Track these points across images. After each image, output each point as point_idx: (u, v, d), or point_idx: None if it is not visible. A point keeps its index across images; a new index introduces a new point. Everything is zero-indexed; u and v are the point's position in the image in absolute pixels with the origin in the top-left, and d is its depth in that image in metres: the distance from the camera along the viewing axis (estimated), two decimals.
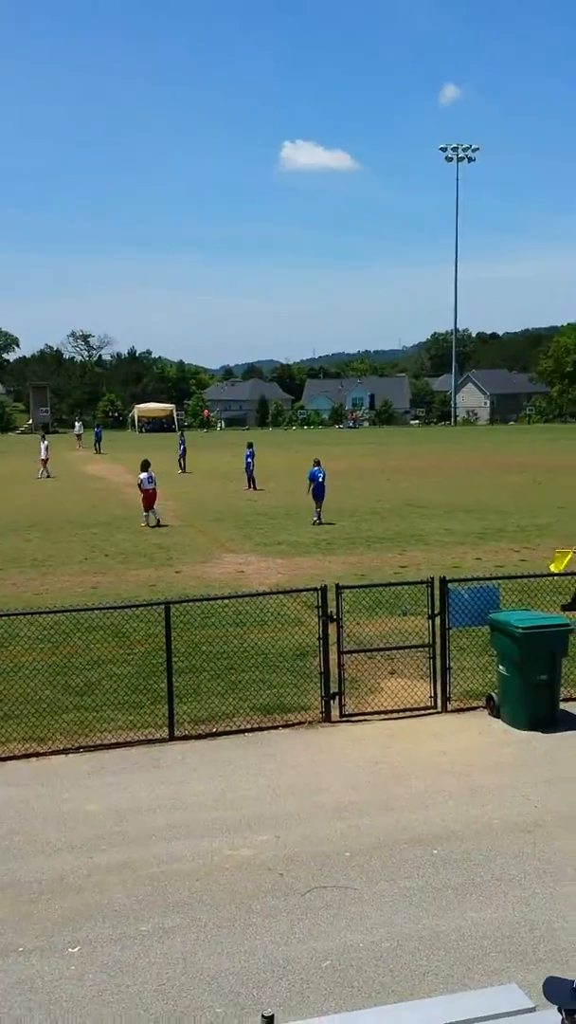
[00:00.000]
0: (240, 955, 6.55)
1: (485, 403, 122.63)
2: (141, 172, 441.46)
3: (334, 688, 11.34)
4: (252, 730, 10.92)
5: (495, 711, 11.32)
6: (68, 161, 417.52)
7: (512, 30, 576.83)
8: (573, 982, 3.20)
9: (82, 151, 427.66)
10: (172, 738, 10.67)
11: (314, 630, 12.04)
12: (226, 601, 14.73)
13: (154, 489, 27.86)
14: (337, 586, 11.82)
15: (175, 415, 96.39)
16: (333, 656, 11.43)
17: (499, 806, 8.87)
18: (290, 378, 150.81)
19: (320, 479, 27.66)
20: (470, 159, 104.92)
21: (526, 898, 7.22)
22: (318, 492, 27.62)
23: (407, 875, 7.60)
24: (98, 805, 8.97)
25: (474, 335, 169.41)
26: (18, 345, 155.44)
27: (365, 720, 11.30)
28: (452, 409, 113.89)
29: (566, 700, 11.54)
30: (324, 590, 11.66)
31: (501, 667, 11.26)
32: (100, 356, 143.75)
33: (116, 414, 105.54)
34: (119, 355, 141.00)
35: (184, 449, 46.10)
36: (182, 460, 45.64)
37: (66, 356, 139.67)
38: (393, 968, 6.37)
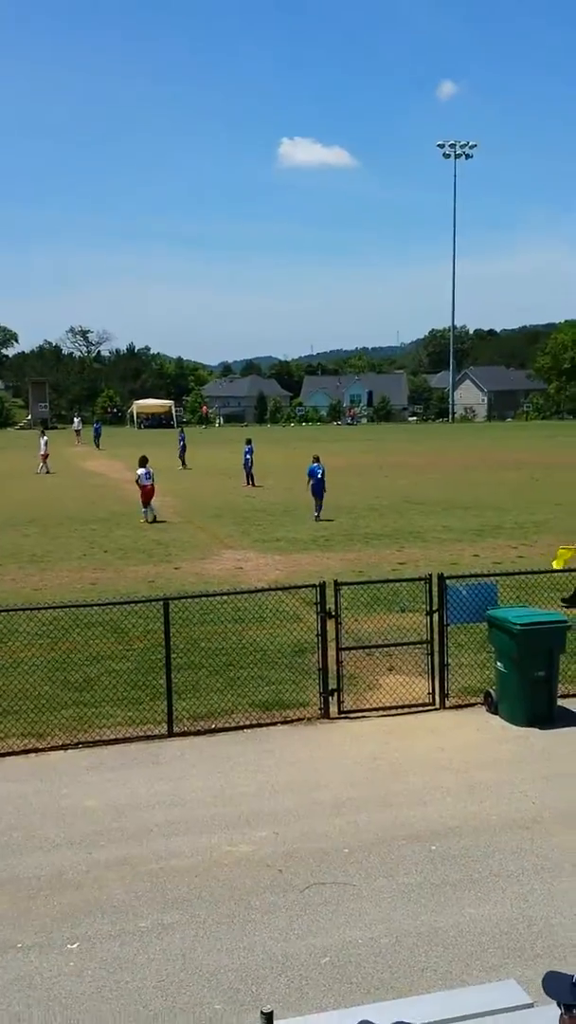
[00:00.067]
0: (239, 951, 6.54)
1: (483, 400, 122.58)
2: (140, 170, 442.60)
3: (332, 685, 11.33)
4: (251, 726, 10.90)
5: (493, 707, 11.31)
6: (68, 159, 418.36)
7: (511, 28, 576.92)
8: (573, 977, 3.20)
9: (82, 149, 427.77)
10: (171, 734, 10.66)
11: (312, 627, 12.02)
12: (225, 597, 14.71)
13: (152, 485, 27.86)
14: (336, 583, 11.81)
15: (174, 411, 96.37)
16: (331, 652, 11.41)
17: (497, 802, 8.86)
18: (288, 375, 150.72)
19: (319, 475, 27.64)
20: (468, 156, 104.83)
21: (524, 894, 7.22)
22: (317, 488, 27.61)
23: (405, 871, 7.59)
24: (97, 801, 8.96)
25: (472, 332, 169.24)
26: (17, 340, 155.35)
27: (363, 716, 11.29)
28: (450, 406, 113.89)
29: (564, 696, 11.53)
30: (323, 587, 11.65)
31: (499, 663, 11.25)
32: (99, 352, 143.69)
33: (115, 410, 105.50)
34: (118, 351, 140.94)
35: (184, 445, 46.07)
36: (182, 456, 45.62)
37: (65, 352, 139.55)
38: (392, 964, 6.36)
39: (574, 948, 6.51)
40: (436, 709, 11.52)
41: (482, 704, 11.55)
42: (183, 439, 46.91)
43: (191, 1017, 5.84)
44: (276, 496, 33.30)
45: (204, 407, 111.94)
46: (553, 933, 6.70)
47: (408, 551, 21.77)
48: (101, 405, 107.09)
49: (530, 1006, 3.91)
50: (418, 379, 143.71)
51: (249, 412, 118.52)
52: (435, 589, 11.84)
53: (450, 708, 11.55)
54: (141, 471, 27.83)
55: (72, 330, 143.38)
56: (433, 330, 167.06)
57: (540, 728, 10.74)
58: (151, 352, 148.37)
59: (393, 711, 11.39)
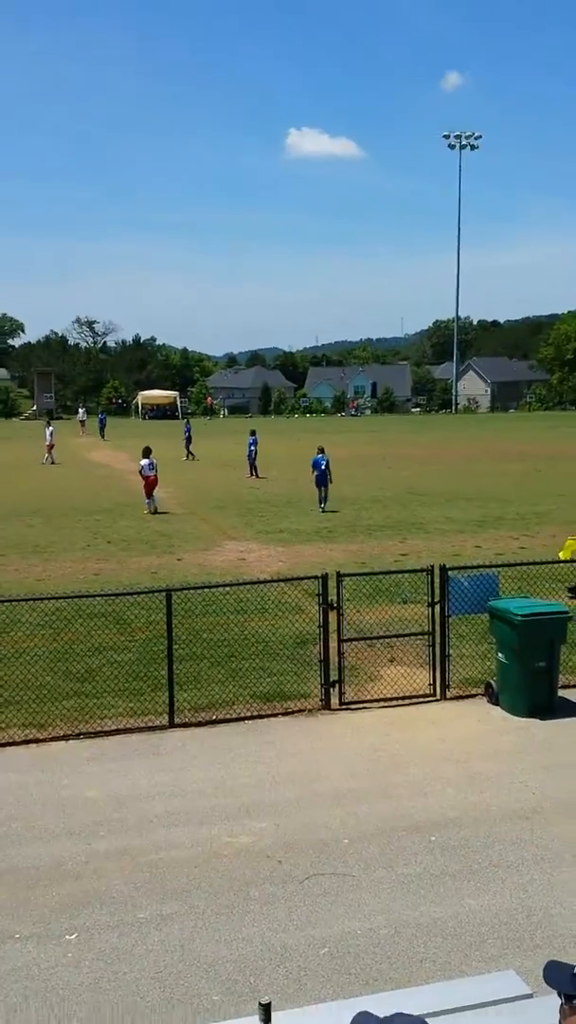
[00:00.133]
0: (238, 942, 6.52)
1: (486, 391, 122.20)
2: (146, 161, 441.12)
3: (334, 676, 11.29)
4: (252, 718, 10.87)
5: (494, 698, 11.27)
6: (75, 149, 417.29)
7: (515, 20, 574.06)
8: (574, 967, 3.15)
9: (89, 143, 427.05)
10: (172, 725, 10.63)
11: (314, 618, 11.98)
12: (227, 589, 14.68)
13: (155, 476, 27.82)
14: (338, 574, 11.76)
15: (179, 402, 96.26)
16: (333, 644, 11.38)
17: (497, 793, 8.83)
18: (293, 366, 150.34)
19: (323, 467, 27.57)
20: (473, 147, 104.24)
21: (524, 885, 7.19)
22: (321, 479, 27.54)
23: (405, 862, 7.56)
24: (97, 792, 8.94)
25: (475, 322, 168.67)
26: (23, 331, 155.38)
27: (365, 708, 11.25)
28: (453, 397, 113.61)
29: (564, 687, 11.50)
30: (325, 578, 11.60)
31: (500, 654, 11.21)
32: (105, 343, 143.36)
33: (120, 401, 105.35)
34: (124, 342, 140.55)
35: (190, 436, 45.95)
36: (188, 447, 45.52)
37: (71, 342, 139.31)
38: (391, 955, 6.34)
39: (574, 939, 6.48)
40: (437, 700, 11.48)
41: (483, 695, 11.51)
42: (189, 430, 46.82)
43: (189, 1008, 5.82)
44: (279, 487, 33.25)
45: (209, 398, 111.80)
46: (553, 924, 6.68)
47: (411, 542, 21.71)
48: (106, 396, 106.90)
49: (530, 997, 3.87)
50: (422, 370, 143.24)
51: (253, 403, 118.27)
52: (437, 580, 11.79)
53: (451, 699, 11.52)
54: (144, 462, 27.79)
55: (78, 320, 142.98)
56: (437, 321, 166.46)
57: (541, 719, 10.71)
58: (156, 343, 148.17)
59: (394, 702, 11.35)
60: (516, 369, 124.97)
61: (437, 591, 11.78)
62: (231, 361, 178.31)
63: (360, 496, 30.03)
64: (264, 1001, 3.62)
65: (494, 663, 11.53)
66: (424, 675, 11.72)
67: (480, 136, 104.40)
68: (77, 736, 10.32)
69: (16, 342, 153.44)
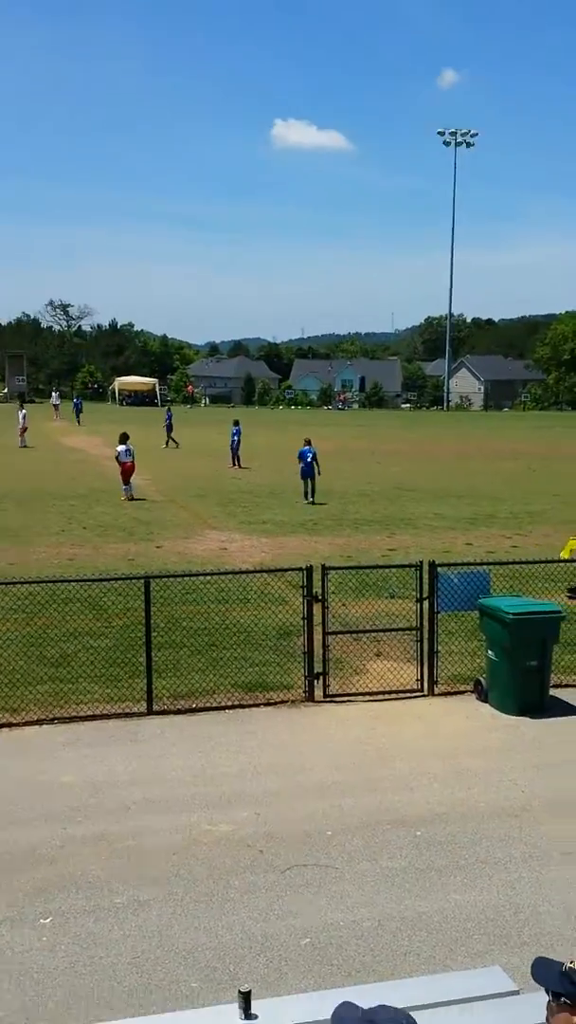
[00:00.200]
0: (217, 930, 6.59)
1: (479, 389, 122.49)
2: (132, 150, 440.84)
3: (318, 668, 11.37)
4: (233, 707, 10.95)
5: (483, 696, 11.39)
6: (60, 140, 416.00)
7: (511, 18, 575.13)
8: (563, 965, 3.22)
9: (74, 134, 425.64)
10: (150, 712, 10.69)
11: (298, 610, 12.04)
12: (208, 578, 14.73)
13: (132, 462, 27.82)
14: (323, 566, 11.85)
15: (158, 389, 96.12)
16: (318, 636, 11.45)
17: (485, 790, 8.94)
18: (278, 357, 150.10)
19: (309, 459, 27.65)
20: (469, 144, 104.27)
21: (511, 881, 7.29)
22: (307, 471, 27.62)
23: (390, 855, 7.66)
24: (73, 777, 8.99)
25: (469, 320, 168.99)
26: None
27: (350, 701, 11.34)
28: (445, 394, 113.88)
29: (556, 686, 11.63)
30: (309, 570, 11.67)
31: (490, 652, 11.32)
32: (80, 327, 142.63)
33: (96, 386, 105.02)
34: (100, 327, 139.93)
35: (171, 424, 45.88)
36: (170, 435, 45.44)
37: (44, 326, 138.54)
38: (374, 948, 6.43)
39: (561, 936, 6.59)
40: (424, 696, 11.59)
41: (472, 692, 11.63)
42: (170, 417, 46.77)
43: (166, 994, 5.89)
44: (262, 478, 33.30)
45: (190, 386, 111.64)
46: (540, 921, 6.78)
47: (399, 537, 21.83)
48: (81, 380, 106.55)
49: (516, 993, 3.95)
50: (412, 366, 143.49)
51: (236, 393, 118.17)
52: (426, 576, 11.89)
53: (439, 695, 11.62)
54: (121, 448, 27.79)
55: (51, 304, 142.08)
56: (429, 317, 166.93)
57: (531, 717, 10.83)
58: (135, 329, 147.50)
59: (380, 696, 11.44)
60: (511, 368, 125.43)
61: (426, 587, 11.88)
62: (213, 350, 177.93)
63: (347, 490, 30.13)
64: (244, 989, 3.69)
65: (483, 660, 11.64)
66: (411, 670, 11.82)
67: (476, 134, 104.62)
68: (51, 721, 10.37)
69: None
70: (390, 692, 11.54)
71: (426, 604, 11.89)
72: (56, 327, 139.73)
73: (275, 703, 11.14)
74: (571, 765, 9.63)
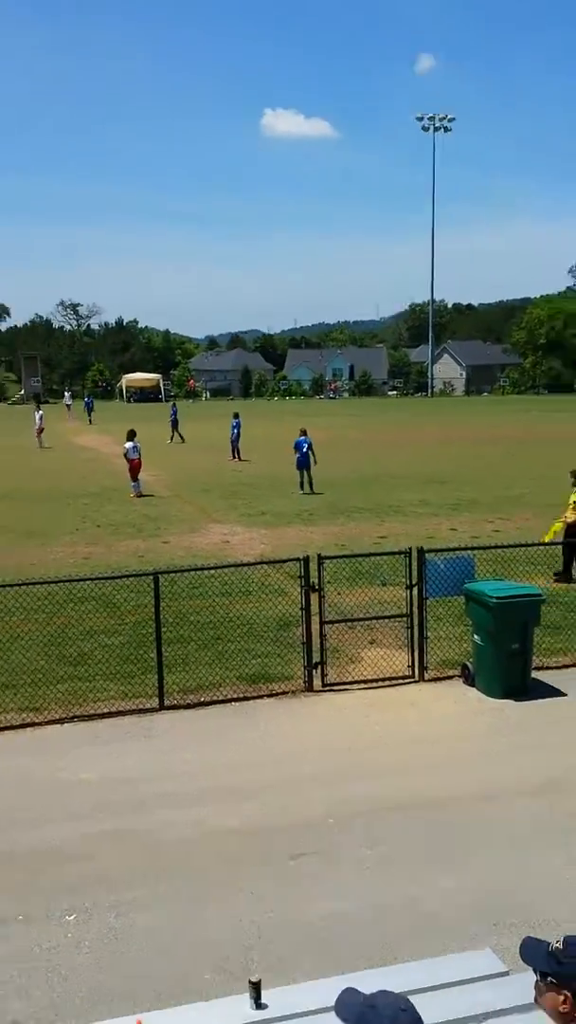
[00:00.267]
0: (228, 922, 6.60)
1: (461, 374, 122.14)
2: (122, 144, 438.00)
3: (316, 658, 11.37)
4: (238, 700, 10.94)
5: (470, 680, 11.38)
6: (57, 136, 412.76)
7: (486, 2, 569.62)
8: (549, 944, 3.19)
9: (77, 131, 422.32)
10: (162, 707, 10.69)
11: (297, 600, 11.99)
12: (213, 571, 14.72)
13: (139, 458, 27.72)
14: (319, 557, 11.79)
15: (162, 385, 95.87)
16: (315, 626, 11.45)
17: (475, 773, 8.95)
18: (273, 348, 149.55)
19: (304, 449, 27.58)
20: (446, 129, 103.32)
21: (500, 864, 7.30)
22: (302, 461, 27.55)
23: (388, 841, 7.67)
24: (93, 774, 9.00)
25: (450, 305, 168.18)
26: (9, 314, 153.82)
27: (346, 689, 11.34)
28: (429, 380, 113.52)
29: (538, 669, 11.62)
30: (306, 561, 11.61)
31: (476, 636, 11.30)
32: (88, 326, 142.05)
33: (104, 384, 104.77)
34: (107, 324, 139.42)
35: (176, 419, 45.73)
36: (176, 429, 45.31)
37: (56, 325, 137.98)
38: (373, 933, 6.44)
39: (549, 918, 6.59)
40: (416, 682, 11.58)
41: (459, 677, 11.62)
42: (175, 412, 46.65)
43: (184, 986, 5.90)
44: (261, 470, 33.27)
45: (191, 381, 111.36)
46: (529, 903, 6.78)
47: (388, 525, 21.80)
48: (91, 379, 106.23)
49: (506, 974, 3.96)
50: (398, 353, 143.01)
51: (235, 386, 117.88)
52: (415, 563, 11.84)
53: (429, 680, 11.62)
54: (128, 445, 27.67)
55: (62, 303, 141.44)
56: (412, 304, 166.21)
57: (515, 700, 10.82)
58: (139, 325, 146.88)
59: (374, 684, 11.44)
60: (490, 353, 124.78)
61: (415, 574, 11.84)
62: (212, 343, 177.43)
63: (339, 479, 30.07)
64: (254, 979, 3.70)
65: (470, 645, 11.63)
66: (403, 657, 11.82)
67: (453, 119, 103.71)
68: (71, 719, 10.36)
69: (3, 327, 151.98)
70: (384, 679, 11.52)
71: (415, 591, 11.85)
72: (67, 327, 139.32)
73: (277, 694, 11.13)
74: (555, 747, 9.62)
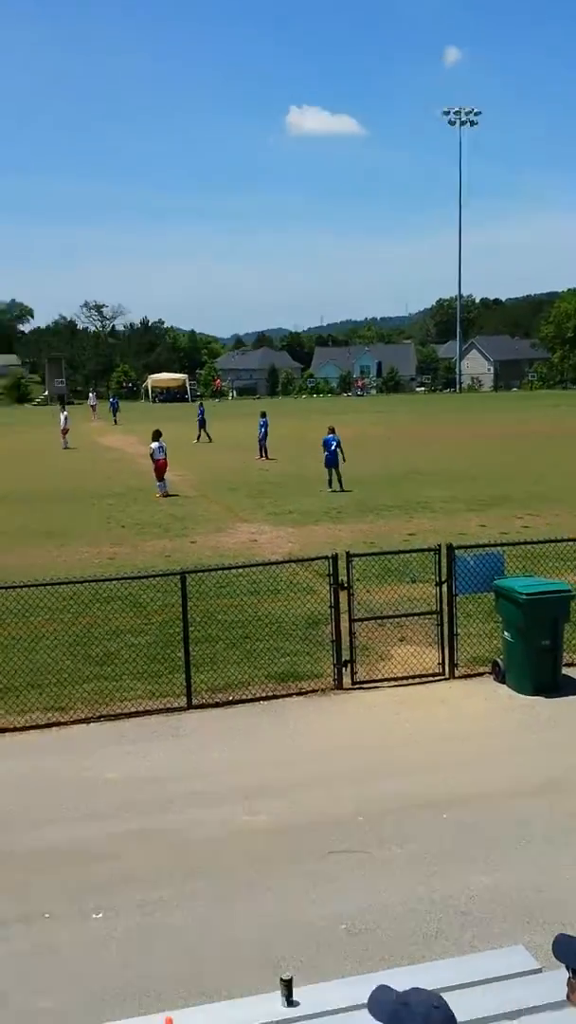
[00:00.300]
0: (258, 919, 6.60)
1: (489, 369, 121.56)
2: (148, 144, 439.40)
3: (346, 656, 11.34)
4: (267, 698, 10.94)
5: (500, 677, 11.31)
6: (76, 137, 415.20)
7: None
8: None
9: (88, 128, 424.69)
10: (190, 707, 10.70)
11: (326, 598, 12.02)
12: (240, 570, 14.72)
13: (165, 459, 27.78)
14: (348, 554, 11.78)
15: (188, 385, 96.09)
16: (344, 624, 11.42)
17: (506, 770, 8.90)
18: (299, 346, 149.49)
19: (333, 447, 27.54)
20: (472, 123, 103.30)
21: (533, 861, 7.25)
22: (331, 459, 27.51)
23: (418, 839, 7.63)
24: (118, 773, 9.02)
25: (478, 301, 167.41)
26: (32, 316, 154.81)
27: (376, 687, 11.31)
28: (457, 376, 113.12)
29: (568, 665, 11.54)
30: (335, 558, 11.61)
31: (506, 633, 11.24)
32: (113, 327, 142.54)
33: (129, 384, 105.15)
34: (132, 325, 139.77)
35: (203, 419, 45.81)
36: (203, 429, 45.40)
37: (80, 327, 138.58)
38: (405, 931, 6.41)
39: None
40: (446, 679, 11.53)
41: (490, 673, 11.55)
42: (202, 412, 46.73)
43: (213, 984, 5.90)
44: (288, 468, 33.26)
45: (217, 380, 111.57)
46: (562, 900, 6.73)
47: (417, 522, 21.73)
48: (116, 380, 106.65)
49: (539, 971, 3.93)
50: (426, 349, 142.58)
51: (262, 384, 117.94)
52: (444, 560, 11.79)
53: (459, 678, 11.56)
54: (155, 445, 27.73)
55: (87, 304, 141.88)
56: (440, 299, 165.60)
57: (546, 696, 10.75)
58: (164, 326, 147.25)
59: (404, 681, 11.40)
60: (518, 347, 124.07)
61: (444, 570, 11.80)
62: (238, 343, 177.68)
63: (367, 476, 29.99)
64: (286, 977, 3.69)
65: (500, 642, 11.56)
66: (433, 654, 11.77)
67: (480, 112, 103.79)
68: (98, 719, 10.40)
69: (26, 328, 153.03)
70: (414, 677, 11.49)
71: (445, 587, 11.81)
72: (91, 328, 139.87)
73: (306, 692, 11.12)
74: None
